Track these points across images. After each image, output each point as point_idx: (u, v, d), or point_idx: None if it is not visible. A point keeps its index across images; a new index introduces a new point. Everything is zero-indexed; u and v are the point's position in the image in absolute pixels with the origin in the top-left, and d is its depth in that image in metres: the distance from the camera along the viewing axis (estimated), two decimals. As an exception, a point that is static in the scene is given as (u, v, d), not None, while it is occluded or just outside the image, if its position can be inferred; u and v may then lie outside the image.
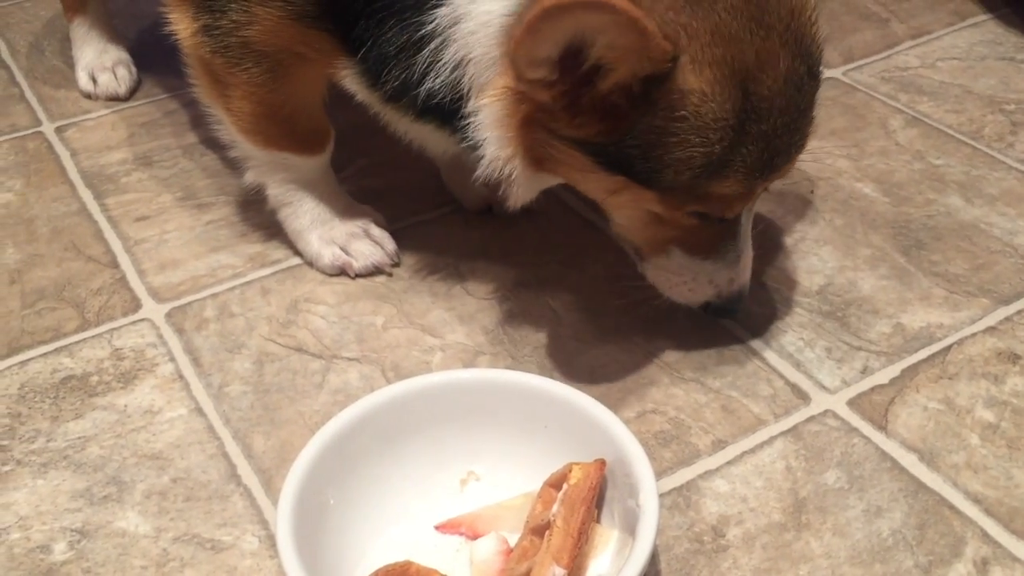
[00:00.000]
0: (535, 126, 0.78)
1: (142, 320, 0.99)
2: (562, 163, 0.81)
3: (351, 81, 0.91)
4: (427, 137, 0.95)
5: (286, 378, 0.92)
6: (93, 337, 0.97)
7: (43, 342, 0.96)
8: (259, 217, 1.11)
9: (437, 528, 0.76)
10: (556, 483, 0.74)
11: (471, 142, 0.82)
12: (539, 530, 0.71)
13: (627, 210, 0.86)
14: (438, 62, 0.81)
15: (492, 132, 0.79)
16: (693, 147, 0.76)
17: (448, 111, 0.84)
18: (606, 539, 0.72)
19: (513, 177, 0.82)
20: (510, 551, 0.73)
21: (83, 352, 0.95)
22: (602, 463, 0.74)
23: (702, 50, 0.73)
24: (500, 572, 0.72)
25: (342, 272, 1.04)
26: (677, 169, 0.77)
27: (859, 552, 0.76)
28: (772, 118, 0.77)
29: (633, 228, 0.89)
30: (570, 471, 0.73)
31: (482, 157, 0.82)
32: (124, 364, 0.94)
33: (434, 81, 0.82)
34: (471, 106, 0.81)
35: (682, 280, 0.90)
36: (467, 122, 0.81)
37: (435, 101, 0.84)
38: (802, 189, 1.15)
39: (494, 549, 0.73)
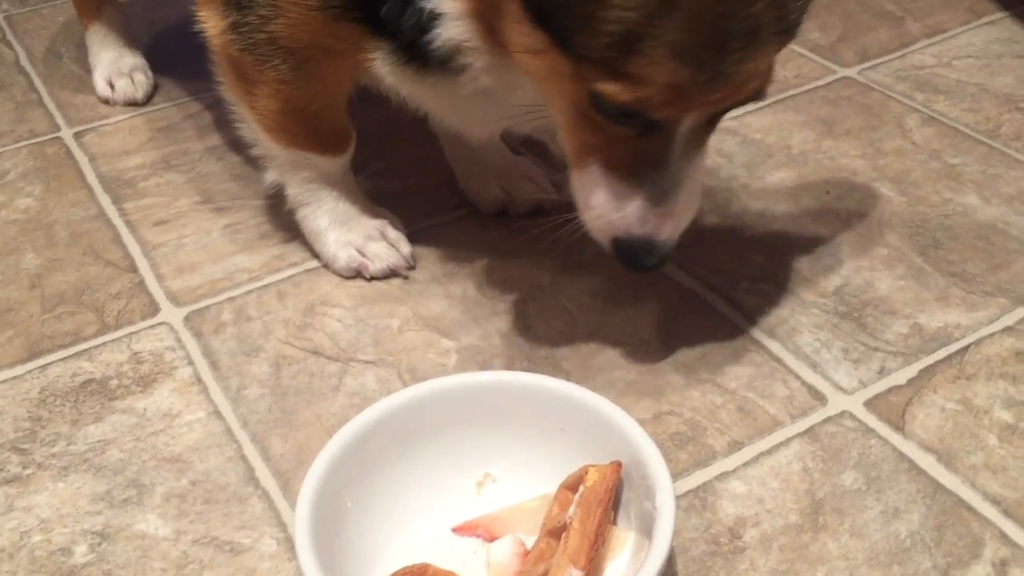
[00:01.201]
0: None
1: (160, 324, 0.99)
2: (505, 21, 0.76)
3: (382, 64, 0.89)
4: (474, 108, 0.92)
5: (303, 381, 0.93)
6: (112, 341, 0.98)
7: (63, 346, 0.97)
8: (276, 221, 1.11)
9: (454, 530, 0.76)
10: (572, 485, 0.74)
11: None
12: (556, 532, 0.72)
13: (555, 96, 0.78)
14: None
15: (449, 6, 0.78)
16: (611, 4, 0.68)
17: None
18: (623, 541, 0.72)
19: (474, 51, 0.80)
20: (527, 553, 0.73)
21: (102, 356, 0.96)
22: (618, 465, 0.74)
23: None
24: (517, 574, 0.72)
25: (358, 274, 1.04)
26: (591, 30, 0.69)
27: (877, 553, 0.76)
28: (707, 3, 0.67)
29: (563, 125, 0.81)
30: (586, 473, 0.73)
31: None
32: (143, 368, 0.94)
33: None
34: None
35: (596, 203, 0.80)
36: None
37: None
38: (817, 189, 1.14)
39: (511, 551, 0.74)
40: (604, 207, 0.80)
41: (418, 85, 0.91)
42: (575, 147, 0.81)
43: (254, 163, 1.11)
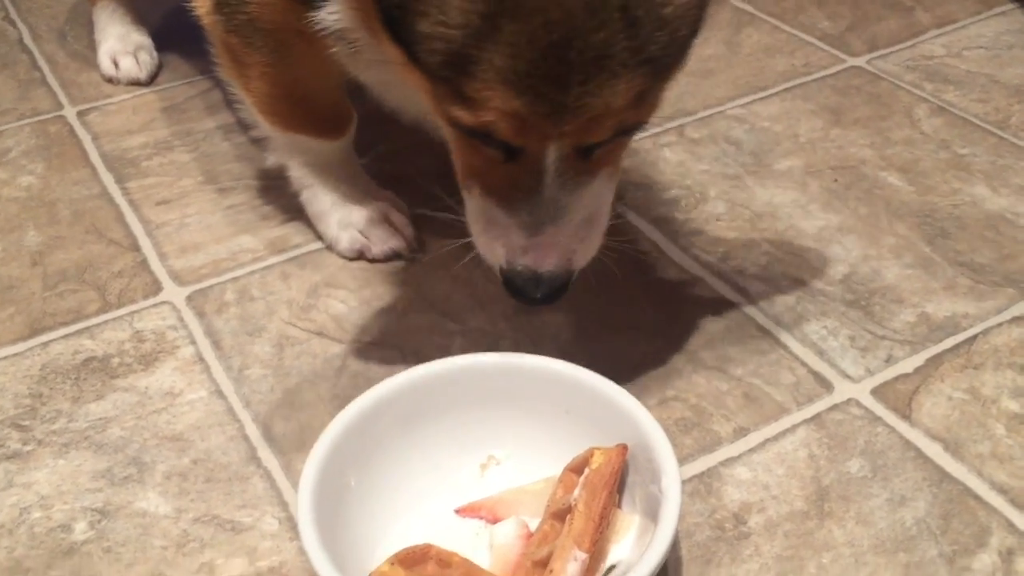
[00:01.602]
0: None
1: (163, 303, 0.99)
2: (375, 30, 0.73)
3: (344, 55, 0.86)
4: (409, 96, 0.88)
5: (306, 362, 0.92)
6: (114, 319, 0.97)
7: (64, 324, 0.96)
8: (280, 201, 1.11)
9: (457, 512, 0.76)
10: (577, 468, 0.74)
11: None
12: (560, 515, 0.71)
13: (431, 111, 0.74)
14: None
15: None
16: (435, 22, 0.64)
17: None
18: (627, 524, 0.72)
19: (360, 39, 0.78)
20: (530, 535, 0.73)
21: (104, 334, 0.95)
22: (624, 448, 0.73)
23: None
24: (520, 556, 0.71)
25: (360, 256, 1.04)
26: (426, 47, 0.66)
27: (883, 541, 0.76)
28: (535, 25, 0.62)
29: (448, 142, 0.78)
30: (592, 455, 0.73)
31: None
32: (145, 346, 0.94)
33: None
34: None
35: (479, 228, 0.77)
36: None
37: None
38: (825, 178, 1.14)
39: (514, 533, 0.73)
40: (484, 234, 0.76)
41: (361, 68, 0.89)
42: (458, 167, 0.78)
43: (258, 143, 1.11)
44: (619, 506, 0.73)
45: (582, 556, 0.67)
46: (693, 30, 0.70)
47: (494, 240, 0.76)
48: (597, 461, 0.72)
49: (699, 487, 0.80)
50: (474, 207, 0.77)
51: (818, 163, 1.16)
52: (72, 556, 0.76)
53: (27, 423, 0.86)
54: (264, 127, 1.01)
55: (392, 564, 0.68)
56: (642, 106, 0.70)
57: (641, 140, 1.19)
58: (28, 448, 0.84)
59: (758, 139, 1.20)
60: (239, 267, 1.03)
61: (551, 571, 0.66)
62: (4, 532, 0.78)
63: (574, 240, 0.75)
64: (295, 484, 0.80)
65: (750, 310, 0.96)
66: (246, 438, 0.85)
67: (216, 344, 0.94)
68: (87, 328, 0.96)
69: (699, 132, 1.22)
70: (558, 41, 0.63)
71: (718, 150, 1.18)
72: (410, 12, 0.66)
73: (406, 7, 0.66)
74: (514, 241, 0.74)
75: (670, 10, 0.65)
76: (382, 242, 1.03)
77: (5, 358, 0.93)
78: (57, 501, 0.80)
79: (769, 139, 1.20)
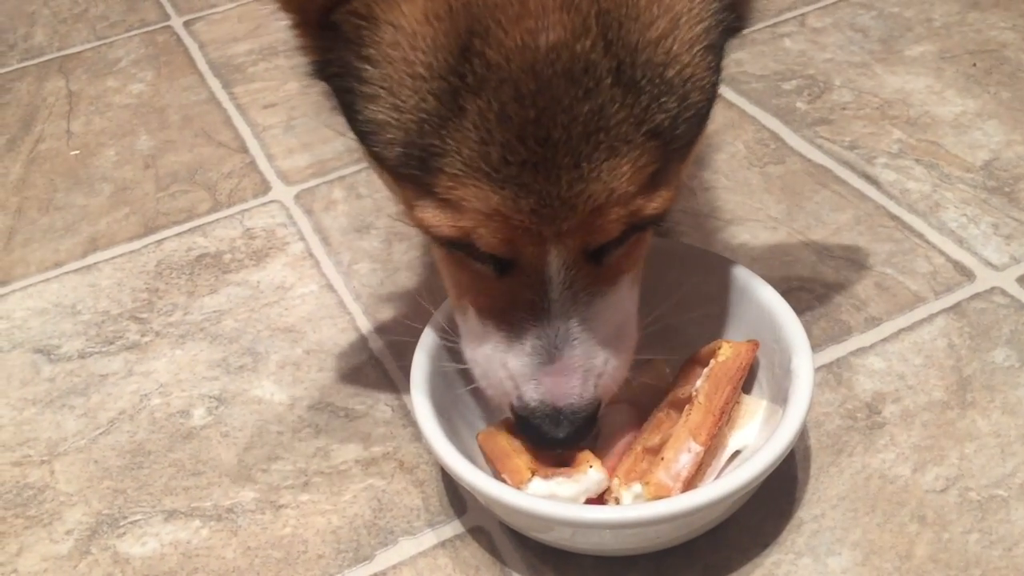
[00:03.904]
0: None
1: (272, 202, 0.98)
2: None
3: None
4: None
5: (415, 256, 0.90)
6: (225, 218, 0.97)
7: (177, 222, 0.97)
8: (384, 102, 1.09)
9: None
10: (702, 359, 0.70)
11: None
12: (678, 404, 0.68)
13: (405, 214, 0.61)
14: None
15: None
16: (386, 106, 0.54)
17: None
18: (753, 409, 0.68)
19: None
20: (639, 424, 0.70)
21: (216, 232, 0.95)
22: (755, 345, 0.68)
23: None
24: (628, 443, 0.68)
25: (469, 155, 1.01)
26: (378, 136, 0.55)
27: (1033, 432, 0.70)
28: (505, 99, 0.51)
29: (432, 252, 0.65)
30: (719, 348, 0.69)
31: None
32: (256, 243, 0.94)
33: None
34: None
35: (477, 357, 0.63)
36: None
37: None
38: (962, 63, 1.05)
39: (623, 420, 0.70)
40: (485, 364, 0.62)
41: None
42: (447, 282, 0.65)
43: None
44: (747, 392, 0.69)
45: (696, 448, 0.63)
46: (708, 96, 0.56)
47: (495, 371, 0.62)
48: (725, 354, 0.68)
49: (828, 377, 0.76)
50: (469, 331, 0.63)
51: (954, 48, 1.08)
52: (191, 440, 0.77)
53: (145, 316, 0.87)
54: None
55: (497, 427, 0.66)
56: (655, 192, 0.55)
57: (759, 31, 1.13)
58: (146, 339, 0.85)
59: (887, 25, 1.12)
60: (345, 167, 1.02)
61: (662, 458, 0.63)
62: (125, 417, 0.79)
63: (597, 364, 0.61)
64: (407, 374, 0.78)
65: (881, 199, 0.90)
66: (357, 329, 0.84)
67: (325, 240, 0.93)
68: (199, 226, 0.96)
69: (822, 21, 1.14)
70: (537, 117, 0.51)
71: (843, 38, 1.11)
72: (356, 95, 0.54)
73: (352, 90, 0.55)
74: (522, 372, 0.60)
75: (675, 72, 0.53)
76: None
77: (122, 255, 0.94)
78: (175, 389, 0.81)
79: (899, 25, 1.12)
